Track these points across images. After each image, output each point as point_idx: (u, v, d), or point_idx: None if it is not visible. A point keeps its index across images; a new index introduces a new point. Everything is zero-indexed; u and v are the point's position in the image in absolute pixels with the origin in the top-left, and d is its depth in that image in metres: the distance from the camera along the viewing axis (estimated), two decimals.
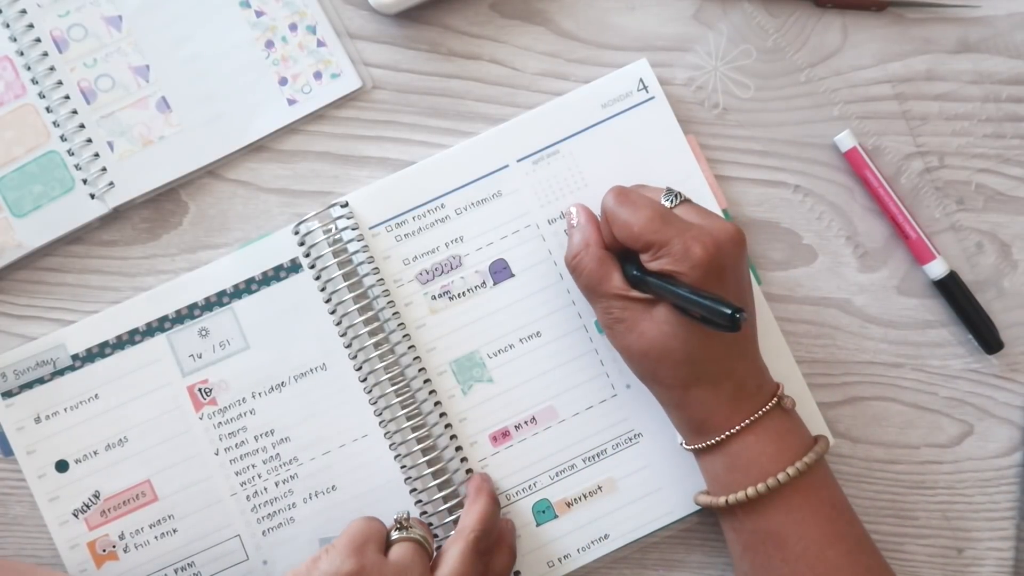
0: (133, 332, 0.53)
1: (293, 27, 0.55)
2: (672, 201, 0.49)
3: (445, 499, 0.52)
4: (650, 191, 0.50)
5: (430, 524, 0.52)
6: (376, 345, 0.53)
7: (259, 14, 0.55)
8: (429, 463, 0.52)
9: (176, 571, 0.53)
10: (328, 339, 0.53)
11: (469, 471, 0.53)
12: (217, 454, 0.53)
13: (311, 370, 0.53)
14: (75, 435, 0.53)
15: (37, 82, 0.54)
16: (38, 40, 0.54)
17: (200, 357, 0.53)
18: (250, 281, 0.53)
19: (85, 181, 0.54)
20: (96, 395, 0.53)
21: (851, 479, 0.55)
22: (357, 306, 0.52)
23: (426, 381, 0.53)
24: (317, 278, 0.53)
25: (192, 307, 0.53)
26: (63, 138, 0.54)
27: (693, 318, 0.45)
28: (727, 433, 0.47)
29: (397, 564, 0.46)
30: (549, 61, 0.56)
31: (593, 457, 0.53)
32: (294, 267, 0.53)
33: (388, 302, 0.53)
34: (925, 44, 0.56)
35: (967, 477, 0.55)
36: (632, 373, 0.50)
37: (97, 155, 0.54)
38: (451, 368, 0.53)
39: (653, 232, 0.46)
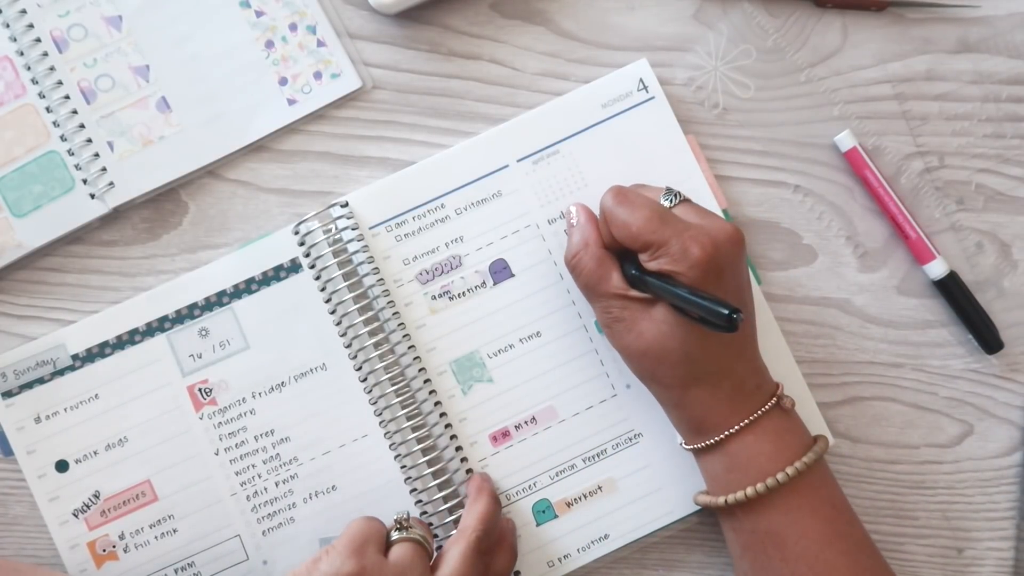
0: (133, 332, 0.53)
1: (293, 27, 0.55)
2: (671, 201, 0.49)
3: (445, 499, 0.52)
4: (649, 191, 0.50)
5: (430, 524, 0.52)
6: (376, 345, 0.53)
7: (259, 14, 0.55)
8: (429, 463, 0.52)
9: (176, 571, 0.53)
10: (328, 339, 0.53)
11: (469, 471, 0.53)
12: (217, 454, 0.53)
13: (311, 370, 0.53)
14: (75, 435, 0.53)
15: (37, 82, 0.54)
16: (38, 40, 0.54)
17: (200, 357, 0.53)
18: (250, 281, 0.54)
19: (85, 181, 0.54)
20: (96, 395, 0.53)
21: (851, 479, 0.55)
22: (357, 306, 0.52)
23: (426, 381, 0.53)
24: (317, 278, 0.53)
25: (192, 307, 0.53)
26: (63, 138, 0.54)
27: (691, 318, 0.45)
28: (726, 433, 0.47)
29: (397, 565, 0.46)
30: (549, 61, 0.56)
31: (593, 457, 0.53)
32: (294, 267, 0.53)
33: (388, 302, 0.53)
34: (925, 44, 0.56)
35: (967, 477, 0.55)
36: (632, 373, 0.50)
37: (97, 155, 0.54)
38: (451, 368, 0.53)
39: (651, 232, 0.46)
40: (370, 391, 0.53)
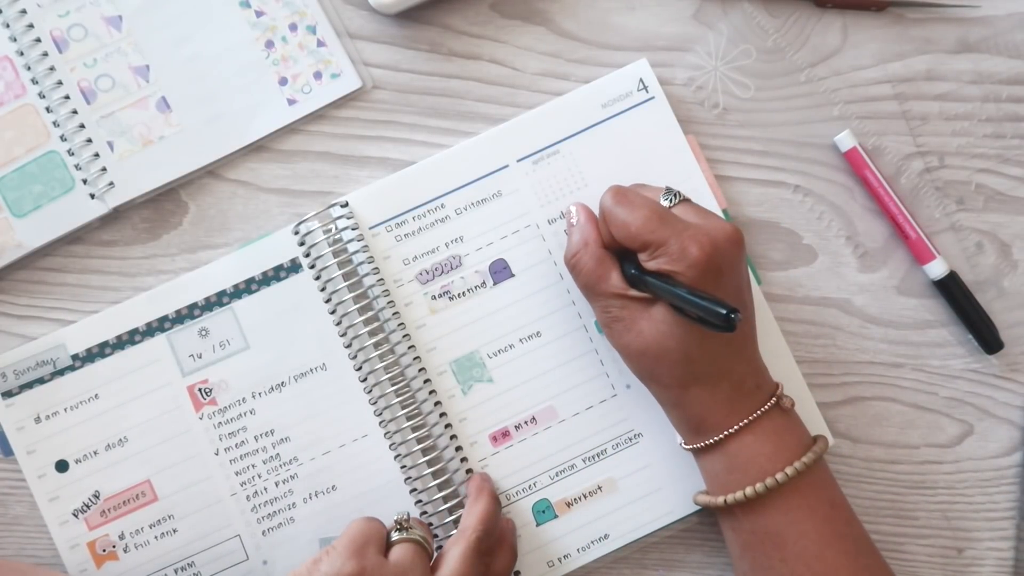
0: (133, 332, 0.53)
1: (293, 27, 0.55)
2: (671, 200, 0.49)
3: (445, 499, 0.52)
4: (649, 191, 0.50)
5: (430, 524, 0.52)
6: (376, 345, 0.53)
7: (259, 14, 0.55)
8: (429, 463, 0.52)
9: (176, 571, 0.53)
10: (328, 339, 0.53)
11: (469, 471, 0.53)
12: (217, 454, 0.53)
13: (311, 370, 0.53)
14: (75, 435, 0.53)
15: (37, 82, 0.54)
16: (38, 40, 0.54)
17: (200, 357, 0.53)
18: (250, 281, 0.54)
19: (85, 181, 0.54)
20: (96, 395, 0.53)
21: (851, 479, 0.55)
22: (357, 306, 0.52)
23: (426, 381, 0.53)
24: (317, 278, 0.53)
25: (192, 307, 0.53)
26: (63, 138, 0.54)
27: (690, 318, 0.45)
28: (725, 433, 0.47)
29: (398, 565, 0.46)
30: (549, 61, 0.56)
31: (593, 457, 0.53)
32: (294, 267, 0.53)
33: (388, 302, 0.53)
34: (925, 44, 0.56)
35: (967, 477, 0.55)
36: (632, 373, 0.50)
37: (97, 155, 0.54)
38: (451, 368, 0.53)
39: (650, 232, 0.46)
40: (370, 391, 0.53)
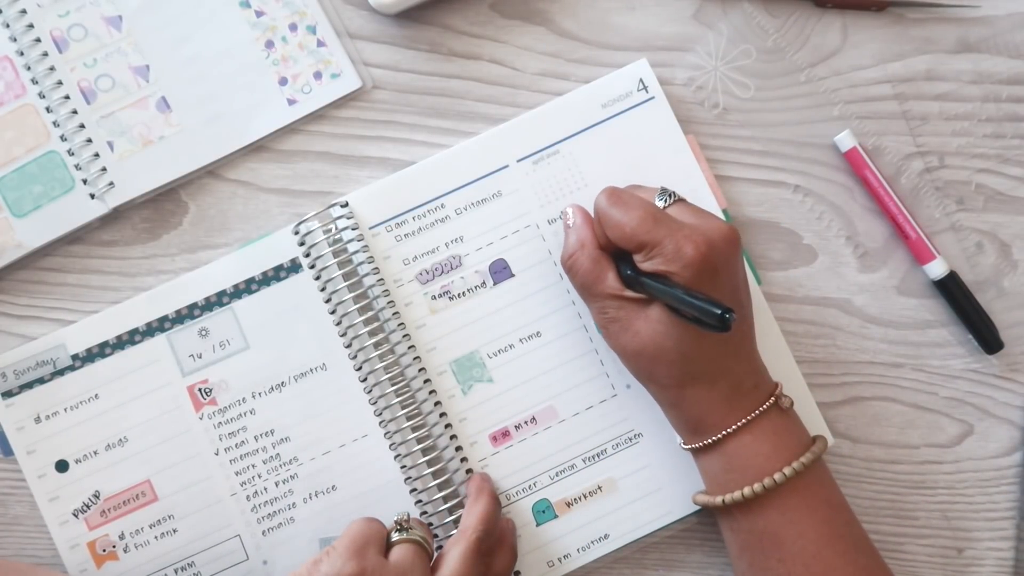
0: (133, 332, 0.53)
1: (293, 27, 0.55)
2: (666, 201, 0.49)
3: (445, 499, 0.52)
4: (644, 191, 0.50)
5: (430, 524, 0.52)
6: (376, 345, 0.53)
7: (259, 14, 0.55)
8: (429, 463, 0.52)
9: (176, 571, 0.53)
10: (328, 339, 0.53)
11: (469, 471, 0.53)
12: (217, 454, 0.53)
13: (311, 370, 0.53)
14: (75, 435, 0.53)
15: (37, 82, 0.54)
16: (38, 40, 0.54)
17: (200, 357, 0.53)
18: (250, 281, 0.54)
19: (85, 181, 0.54)
20: (96, 395, 0.53)
21: (851, 479, 0.55)
22: (357, 306, 0.52)
23: (426, 381, 0.53)
24: (317, 278, 0.53)
25: (192, 307, 0.53)
26: (63, 138, 0.54)
27: (685, 318, 0.45)
28: (724, 432, 0.47)
29: (398, 566, 0.46)
30: (549, 61, 0.56)
31: (593, 457, 0.53)
32: (294, 267, 0.53)
33: (388, 302, 0.53)
34: (925, 44, 0.56)
35: (967, 477, 0.55)
36: (630, 373, 0.50)
37: (97, 155, 0.54)
38: (451, 368, 0.53)
39: (645, 232, 0.46)
40: (370, 391, 0.53)
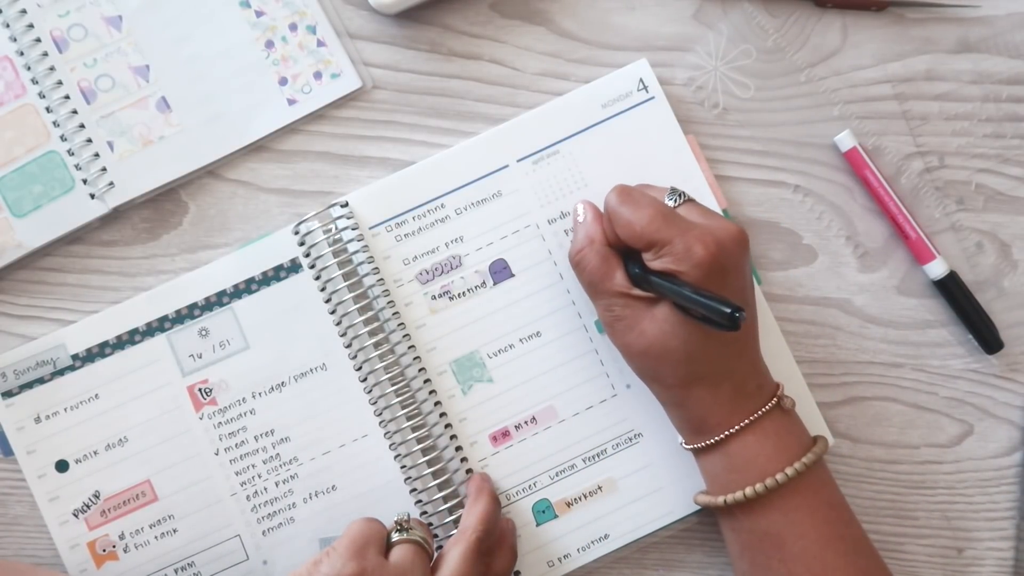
0: (133, 332, 0.53)
1: (293, 27, 0.55)
2: (675, 200, 0.49)
3: (445, 499, 0.52)
4: (654, 190, 0.50)
5: (430, 524, 0.52)
6: (376, 345, 0.53)
7: (259, 14, 0.55)
8: (429, 463, 0.52)
9: (176, 571, 0.53)
10: (328, 339, 0.53)
11: (469, 471, 0.53)
12: (217, 454, 0.53)
13: (311, 370, 0.53)
14: (75, 435, 0.53)
15: (37, 82, 0.54)
16: (38, 40, 0.54)
17: (200, 357, 0.53)
18: (250, 281, 0.54)
19: (85, 181, 0.54)
20: (96, 395, 0.53)
21: (851, 479, 0.55)
22: (357, 306, 0.52)
23: (426, 381, 0.53)
24: (317, 278, 0.53)
25: (192, 307, 0.53)
26: (63, 138, 0.54)
27: (693, 317, 0.45)
28: (726, 433, 0.47)
29: (398, 566, 0.46)
30: (549, 61, 0.56)
31: (593, 457, 0.53)
32: (294, 267, 0.53)
33: (388, 302, 0.53)
34: (925, 44, 0.56)
35: (967, 477, 0.55)
36: (632, 373, 0.50)
37: (97, 155, 0.54)
38: (451, 368, 0.53)
39: (655, 231, 0.46)
40: (370, 391, 0.53)
